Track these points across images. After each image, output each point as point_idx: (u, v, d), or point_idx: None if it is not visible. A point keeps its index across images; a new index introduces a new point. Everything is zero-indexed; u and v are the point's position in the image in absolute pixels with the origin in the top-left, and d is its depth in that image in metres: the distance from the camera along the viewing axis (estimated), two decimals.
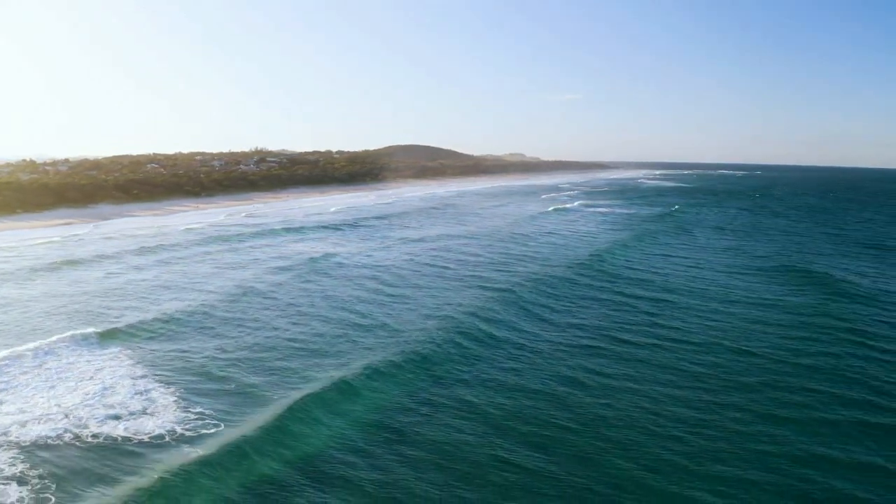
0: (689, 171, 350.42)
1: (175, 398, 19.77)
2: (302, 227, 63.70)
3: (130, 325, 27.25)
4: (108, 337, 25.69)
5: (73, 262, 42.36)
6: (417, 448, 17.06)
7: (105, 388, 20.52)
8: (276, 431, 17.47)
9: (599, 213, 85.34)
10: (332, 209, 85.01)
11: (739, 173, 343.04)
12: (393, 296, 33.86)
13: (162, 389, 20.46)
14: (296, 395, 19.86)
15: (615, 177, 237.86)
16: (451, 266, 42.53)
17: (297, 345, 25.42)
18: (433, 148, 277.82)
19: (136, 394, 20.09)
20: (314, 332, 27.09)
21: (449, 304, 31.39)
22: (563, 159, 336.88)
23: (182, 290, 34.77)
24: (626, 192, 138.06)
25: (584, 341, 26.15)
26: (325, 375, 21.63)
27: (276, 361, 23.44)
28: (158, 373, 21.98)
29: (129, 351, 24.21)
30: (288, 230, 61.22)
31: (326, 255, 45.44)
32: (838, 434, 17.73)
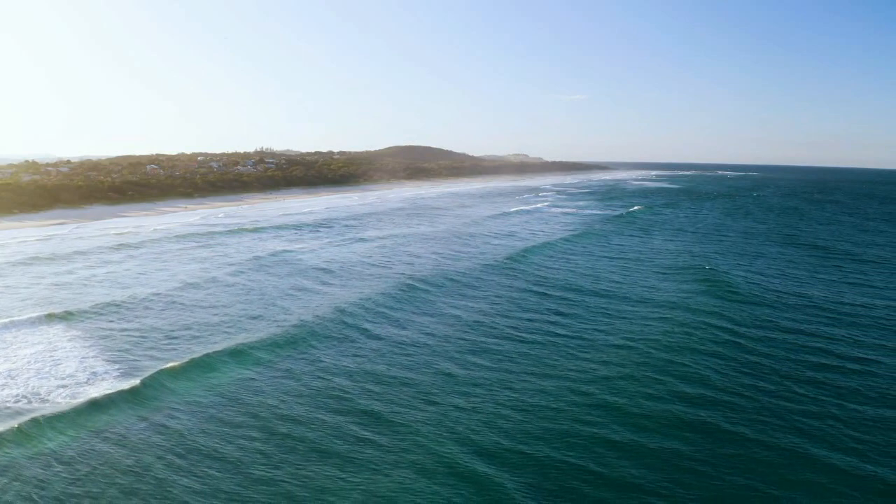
0: (688, 172, 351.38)
1: (117, 372, 23.00)
2: (269, 227, 65.83)
3: (83, 310, 30.81)
4: (63, 319, 29.28)
5: (43, 258, 45.35)
6: (279, 420, 19.33)
7: (57, 363, 23.88)
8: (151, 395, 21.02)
9: (563, 213, 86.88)
10: (307, 210, 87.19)
11: (735, 174, 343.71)
12: (316, 291, 35.91)
13: (104, 363, 23.87)
14: (184, 362, 23.57)
15: (608, 178, 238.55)
16: (392, 264, 44.40)
17: (208, 329, 28.18)
18: (434, 149, 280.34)
19: (82, 367, 23.46)
20: (228, 319, 30.10)
21: (367, 299, 33.24)
22: (567, 160, 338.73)
23: (132, 283, 37.72)
24: (605, 193, 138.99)
25: (480, 338, 27.64)
26: (203, 351, 24.90)
27: (188, 340, 27.08)
28: (102, 349, 25.47)
29: (79, 332, 27.68)
30: (256, 230, 63.37)
31: (277, 254, 47.54)
32: (655, 423, 19.25)
